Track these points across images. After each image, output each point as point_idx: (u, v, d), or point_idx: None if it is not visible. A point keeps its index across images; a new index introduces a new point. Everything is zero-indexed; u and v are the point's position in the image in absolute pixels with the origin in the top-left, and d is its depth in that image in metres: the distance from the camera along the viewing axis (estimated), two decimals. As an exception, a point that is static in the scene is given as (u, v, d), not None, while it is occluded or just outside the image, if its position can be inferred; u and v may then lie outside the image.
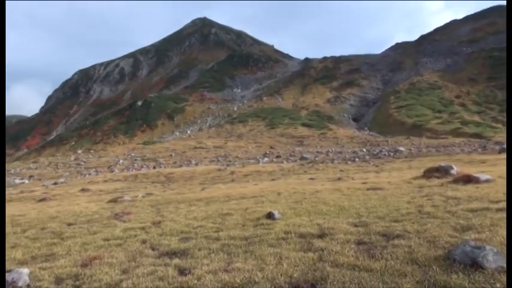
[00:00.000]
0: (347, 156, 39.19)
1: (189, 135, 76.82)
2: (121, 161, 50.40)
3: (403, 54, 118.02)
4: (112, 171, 39.32)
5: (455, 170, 12.52)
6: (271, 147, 56.78)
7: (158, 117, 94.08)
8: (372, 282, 4.15)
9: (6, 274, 4.87)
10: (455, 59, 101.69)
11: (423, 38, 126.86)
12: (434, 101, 78.40)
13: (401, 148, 40.91)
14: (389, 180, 13.58)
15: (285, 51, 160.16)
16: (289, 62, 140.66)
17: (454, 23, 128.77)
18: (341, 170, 24.90)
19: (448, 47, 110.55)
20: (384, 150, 41.18)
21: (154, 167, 40.38)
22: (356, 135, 65.19)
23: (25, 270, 4.98)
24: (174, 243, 6.35)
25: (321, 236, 6.12)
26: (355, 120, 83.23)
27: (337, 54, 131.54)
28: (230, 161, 42.21)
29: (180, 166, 39.89)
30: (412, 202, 8.43)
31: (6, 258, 6.28)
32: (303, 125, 74.23)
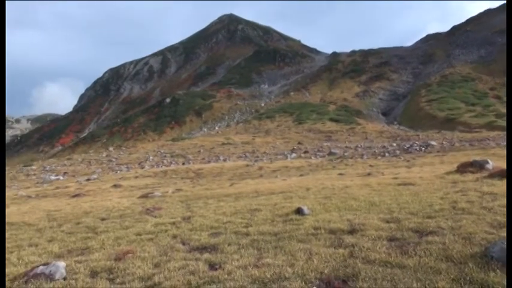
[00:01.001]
0: (376, 151, 38.54)
1: (217, 132, 77.37)
2: (151, 158, 51.27)
3: (435, 45, 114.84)
4: (142, 168, 40.07)
5: (491, 164, 12.11)
6: (299, 143, 56.47)
7: (186, 114, 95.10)
8: (405, 279, 4.07)
9: (44, 267, 5.04)
10: (490, 50, 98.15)
11: (455, 28, 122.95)
12: (468, 93, 75.97)
13: (433, 142, 39.89)
14: (421, 176, 13.27)
15: (312, 46, 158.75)
16: (316, 57, 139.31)
17: (488, 12, 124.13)
18: (370, 165, 24.52)
19: (482, 37, 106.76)
20: (414, 144, 40.26)
21: (183, 163, 40.90)
22: (385, 130, 64.00)
23: (61, 263, 5.14)
24: (204, 238, 6.42)
25: (352, 232, 6.05)
26: (384, 114, 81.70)
27: (366, 48, 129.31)
28: (258, 157, 42.27)
29: (209, 162, 40.25)
30: (446, 198, 8.21)
31: (42, 252, 6.51)
32: (331, 120, 73.42)
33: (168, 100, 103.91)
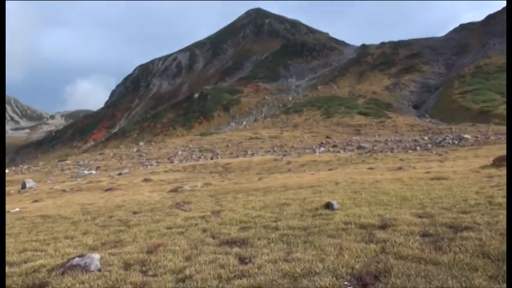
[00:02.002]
0: (407, 145, 37.75)
1: (245, 126, 77.57)
2: (180, 152, 51.96)
3: (469, 35, 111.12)
4: (172, 162, 40.67)
5: (529, 158, 11.63)
6: (327, 137, 55.95)
7: (214, 109, 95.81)
8: (440, 276, 3.97)
9: (80, 258, 5.19)
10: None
11: (491, 17, 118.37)
12: (504, 84, 73.22)
13: (466, 136, 38.70)
14: (455, 170, 12.92)
15: (341, 39, 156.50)
16: (344, 49, 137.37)
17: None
18: (401, 159, 24.05)
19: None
20: (447, 138, 39.18)
21: (211, 158, 41.27)
22: (417, 123, 62.57)
23: (96, 256, 5.28)
24: (233, 232, 6.45)
25: (383, 227, 5.95)
26: (415, 107, 79.82)
27: (396, 39, 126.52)
28: (286, 151, 42.16)
29: (237, 157, 40.45)
30: (481, 192, 7.96)
31: (77, 244, 6.70)
32: (360, 113, 72.34)
33: (196, 95, 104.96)
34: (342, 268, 4.39)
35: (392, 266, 4.29)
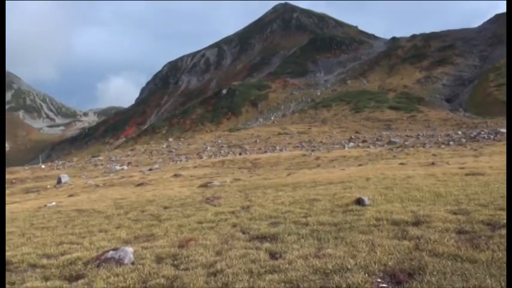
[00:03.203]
0: (440, 139, 36.78)
1: (273, 122, 77.49)
2: (209, 148, 52.46)
3: (504, 26, 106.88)
4: (201, 158, 41.11)
5: None
6: (357, 132, 55.21)
7: (242, 105, 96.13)
8: (478, 274, 3.84)
9: (114, 252, 5.32)
10: None
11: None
12: (543, 76, 70.16)
13: (502, 130, 37.31)
14: (491, 165, 12.49)
15: (370, 32, 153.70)
16: (374, 43, 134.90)
17: None
18: (434, 155, 23.46)
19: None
20: (482, 132, 37.93)
21: (240, 153, 41.45)
22: (450, 117, 60.86)
23: (130, 249, 5.40)
24: (263, 227, 6.45)
25: (416, 223, 5.82)
26: (448, 101, 77.59)
27: (428, 31, 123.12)
28: (314, 147, 41.86)
29: (265, 152, 40.47)
30: (520, 189, 7.64)
31: (111, 237, 6.86)
32: (390, 107, 70.98)
33: (224, 91, 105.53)
34: (375, 265, 4.32)
35: (427, 264, 4.19)
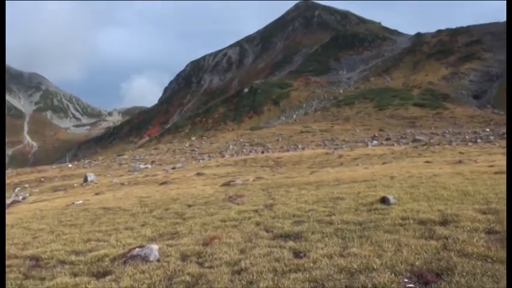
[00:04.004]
0: (467, 137, 35.91)
1: (295, 120, 77.16)
2: (231, 147, 52.66)
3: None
4: (223, 156, 41.31)
5: None
6: (380, 130, 54.44)
7: (264, 103, 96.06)
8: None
9: (140, 249, 5.40)
10: None
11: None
12: None
13: (533, 127, 36.12)
14: (521, 163, 12.08)
15: (394, 28, 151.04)
16: (398, 39, 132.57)
17: None
18: (461, 152, 22.92)
19: None
20: (511, 129, 36.78)
21: (262, 152, 41.46)
22: (477, 114, 59.36)
23: (155, 246, 5.47)
24: (287, 226, 6.43)
25: (444, 223, 5.69)
26: (475, 97, 75.64)
27: (454, 26, 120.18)
28: (337, 145, 41.50)
29: (287, 150, 40.35)
30: (553, 187, 7.39)
31: (137, 235, 6.97)
32: (415, 105, 69.66)
33: (246, 90, 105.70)
34: (401, 265, 4.25)
35: (456, 264, 4.09)
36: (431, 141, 34.98)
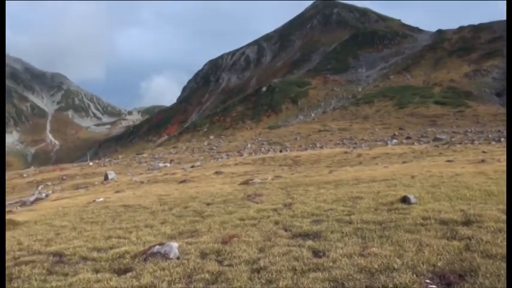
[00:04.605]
0: (490, 135, 35.13)
1: (313, 119, 76.77)
2: (249, 145, 52.75)
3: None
4: (241, 155, 41.41)
5: None
6: (400, 128, 53.72)
7: (282, 102, 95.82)
8: (536, 277, 3.63)
9: (160, 246, 5.45)
10: None
11: None
12: None
13: (559, 125, 35.12)
14: (547, 162, 11.76)
15: (414, 25, 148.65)
16: (418, 36, 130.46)
17: None
18: (484, 152, 22.44)
19: None
20: (536, 128, 35.82)
21: (280, 151, 41.39)
22: (500, 112, 57.94)
23: (175, 244, 5.52)
24: (306, 225, 6.41)
25: (466, 223, 5.58)
26: (498, 95, 73.86)
27: (476, 22, 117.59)
28: (356, 144, 41.14)
29: (306, 149, 40.20)
30: None
31: (157, 232, 7.05)
32: (436, 103, 68.49)
33: (264, 89, 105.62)
34: (423, 265, 4.19)
35: (479, 265, 4.01)
36: (452, 140, 34.36)
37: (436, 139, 36.16)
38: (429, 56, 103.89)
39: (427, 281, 3.86)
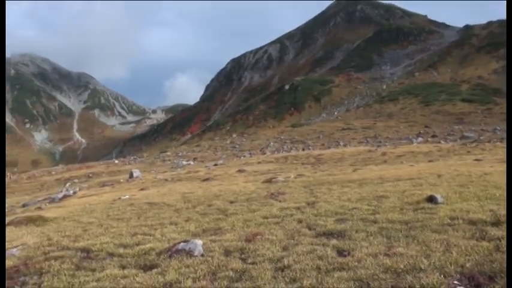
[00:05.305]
0: (520, 134, 34.00)
1: (336, 117, 76.12)
2: (271, 144, 52.74)
3: None
4: (264, 153, 41.44)
5: None
6: (426, 126, 52.70)
7: (305, 100, 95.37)
8: None
9: (185, 244, 5.51)
10: None
11: None
12: None
13: None
14: None
15: (441, 20, 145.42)
16: (445, 32, 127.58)
17: None
18: (513, 150, 21.76)
19: None
20: None
21: (303, 149, 41.22)
22: (531, 110, 56.07)
23: (199, 242, 5.57)
24: (330, 224, 6.36)
25: (496, 223, 5.43)
26: (529, 92, 71.54)
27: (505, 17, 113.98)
28: (380, 142, 40.60)
29: (329, 148, 39.91)
30: None
31: (181, 230, 7.12)
32: (463, 100, 66.88)
33: (286, 87, 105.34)
34: (450, 266, 4.10)
35: (510, 267, 3.89)
36: (481, 138, 33.50)
37: (463, 137, 35.35)
38: (456, 52, 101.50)
39: (455, 282, 3.78)
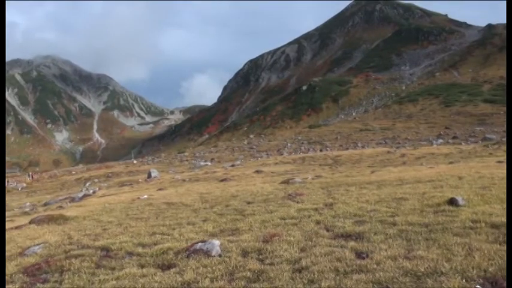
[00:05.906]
0: (545, 135, 33.14)
1: (354, 118, 75.49)
2: (289, 145, 52.61)
3: None
4: (281, 154, 41.37)
5: None
6: (446, 128, 51.81)
7: (323, 101, 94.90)
8: None
9: (202, 244, 5.53)
10: None
11: None
12: None
13: None
14: None
15: (462, 20, 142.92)
16: (466, 31, 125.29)
17: None
18: (537, 152, 21.21)
19: None
20: None
21: (320, 150, 41.00)
22: (556, 111, 54.57)
23: (217, 242, 5.59)
24: (348, 225, 6.29)
25: (520, 227, 5.29)
26: (554, 92, 69.69)
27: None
28: (399, 143, 40.09)
29: (347, 149, 39.60)
30: None
31: (199, 230, 7.15)
32: (485, 101, 65.53)
33: (304, 88, 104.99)
34: (473, 270, 4.01)
35: (535, 272, 3.79)
36: (503, 139, 32.72)
37: (485, 139, 34.63)
38: (478, 52, 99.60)
39: (478, 286, 3.70)
